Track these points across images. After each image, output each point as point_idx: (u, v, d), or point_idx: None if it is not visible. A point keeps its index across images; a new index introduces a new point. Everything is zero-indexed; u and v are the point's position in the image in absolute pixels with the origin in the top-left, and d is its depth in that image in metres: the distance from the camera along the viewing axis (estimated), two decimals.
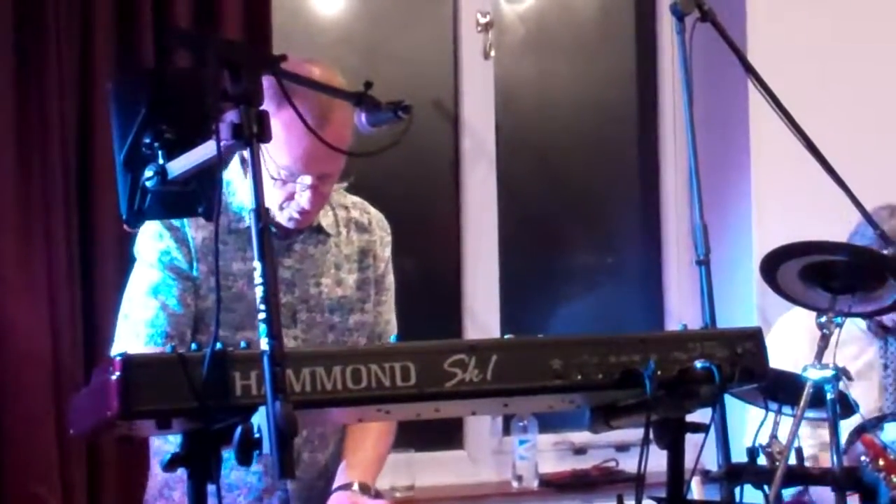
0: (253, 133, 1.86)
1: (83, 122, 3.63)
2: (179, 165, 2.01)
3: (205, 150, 1.94)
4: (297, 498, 2.78)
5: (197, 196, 2.06)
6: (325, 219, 2.77)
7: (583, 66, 4.83)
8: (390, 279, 2.88)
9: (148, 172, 2.03)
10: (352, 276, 2.79)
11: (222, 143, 1.87)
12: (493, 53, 4.53)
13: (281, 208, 2.65)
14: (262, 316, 1.79)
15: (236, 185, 2.72)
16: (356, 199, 2.88)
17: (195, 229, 2.65)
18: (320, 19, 4.45)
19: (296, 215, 2.65)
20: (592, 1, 4.84)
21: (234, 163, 2.72)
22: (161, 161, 2.03)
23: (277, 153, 2.58)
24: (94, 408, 1.87)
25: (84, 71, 3.63)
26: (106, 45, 3.65)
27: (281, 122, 2.44)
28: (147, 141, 2.04)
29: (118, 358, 1.82)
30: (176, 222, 2.64)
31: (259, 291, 1.80)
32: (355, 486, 2.67)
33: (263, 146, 2.59)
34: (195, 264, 2.65)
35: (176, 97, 2.06)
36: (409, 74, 4.43)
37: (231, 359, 1.86)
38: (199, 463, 1.90)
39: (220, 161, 1.90)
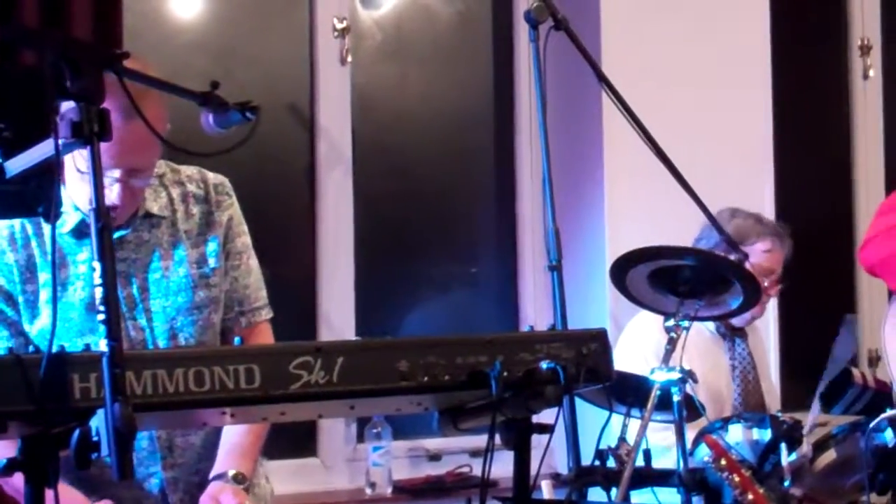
0: (93, 131, 1.82)
1: None
2: (18, 164, 1.97)
3: (43, 149, 1.90)
4: (185, 482, 2.73)
5: (37, 195, 2.01)
6: (157, 203, 2.71)
7: (440, 73, 4.85)
8: (242, 241, 2.80)
9: None
10: (196, 251, 2.73)
11: (61, 142, 1.83)
12: (350, 59, 4.52)
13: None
14: (101, 317, 1.76)
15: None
16: (192, 170, 2.80)
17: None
18: (174, 22, 4.39)
19: None
20: (450, 8, 4.86)
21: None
22: None
23: None
24: None
25: None
26: None
27: None
28: None
29: None
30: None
31: (98, 292, 1.77)
32: (230, 475, 2.62)
33: None
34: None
35: (13, 94, 2.02)
36: (265, 79, 4.40)
37: (70, 361, 1.82)
38: (36, 467, 1.86)
39: (59, 159, 1.86)
